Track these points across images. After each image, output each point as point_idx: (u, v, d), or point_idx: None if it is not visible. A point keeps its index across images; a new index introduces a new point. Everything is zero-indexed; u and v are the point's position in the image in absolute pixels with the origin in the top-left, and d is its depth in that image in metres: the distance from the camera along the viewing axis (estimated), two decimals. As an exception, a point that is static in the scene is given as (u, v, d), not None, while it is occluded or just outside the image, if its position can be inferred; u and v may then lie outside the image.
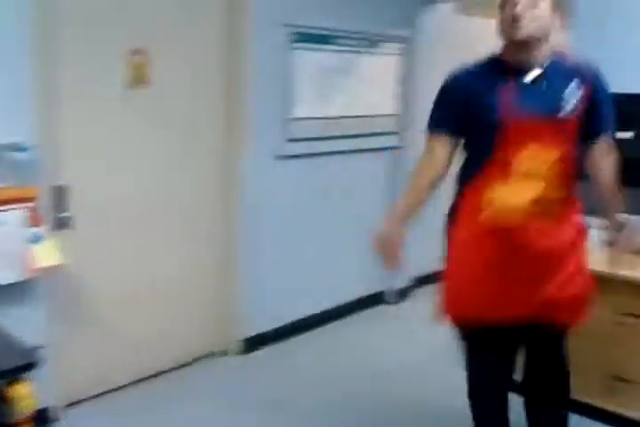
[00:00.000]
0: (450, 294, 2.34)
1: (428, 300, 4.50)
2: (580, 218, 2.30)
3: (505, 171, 2.15)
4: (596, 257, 2.74)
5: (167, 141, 3.19)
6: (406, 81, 4.25)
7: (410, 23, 4.15)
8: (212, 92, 3.32)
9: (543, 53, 2.16)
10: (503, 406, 2.48)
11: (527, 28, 2.07)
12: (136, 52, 2.92)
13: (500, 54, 2.20)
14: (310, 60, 3.63)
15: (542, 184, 2.14)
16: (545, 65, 2.16)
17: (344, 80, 3.87)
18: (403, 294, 4.63)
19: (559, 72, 2.17)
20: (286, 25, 3.44)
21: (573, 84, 2.16)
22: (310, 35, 3.59)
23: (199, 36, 3.21)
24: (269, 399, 3.17)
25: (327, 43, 3.72)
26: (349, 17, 3.76)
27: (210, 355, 3.59)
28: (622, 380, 2.86)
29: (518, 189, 2.14)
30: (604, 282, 2.60)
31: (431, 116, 2.32)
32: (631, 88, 3.00)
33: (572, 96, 2.15)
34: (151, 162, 3.15)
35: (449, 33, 4.46)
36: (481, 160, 2.19)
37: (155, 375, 3.33)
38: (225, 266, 3.55)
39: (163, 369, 3.38)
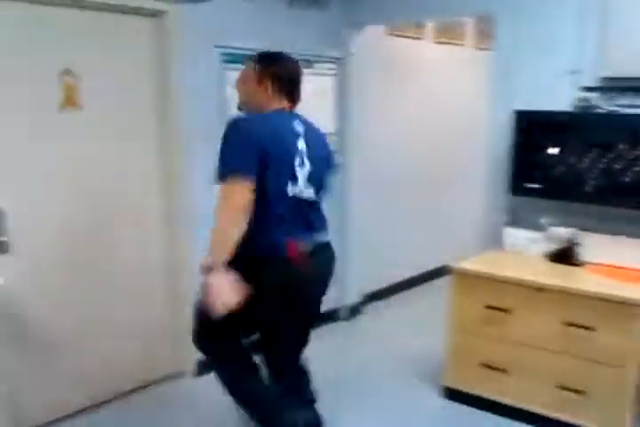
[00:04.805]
0: None
1: (379, 315, 4.62)
2: None
3: None
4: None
5: (102, 166, 3.15)
6: (341, 100, 4.33)
7: (341, 44, 4.25)
8: (144, 116, 3.30)
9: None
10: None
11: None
12: (66, 73, 2.92)
13: None
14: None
15: None
16: None
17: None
18: (355, 310, 4.64)
19: None
20: (218, 46, 3.48)
21: None
22: (243, 56, 3.60)
23: (129, 58, 3.19)
24: (226, 420, 3.11)
25: (261, 64, 3.74)
26: (281, 38, 3.80)
27: (167, 378, 3.54)
28: (493, 368, 3.15)
29: None
30: (474, 280, 3.14)
31: None
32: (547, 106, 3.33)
33: None
34: (87, 185, 3.11)
35: (378, 53, 4.58)
36: None
37: (111, 400, 3.29)
38: (176, 288, 3.50)
39: (120, 393, 3.34)
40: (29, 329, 2.97)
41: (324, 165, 2.50)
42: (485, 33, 5.22)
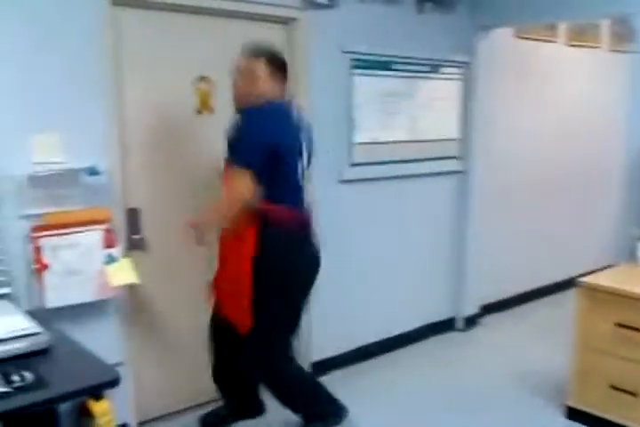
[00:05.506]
0: None
1: (496, 328, 4.48)
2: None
3: None
4: None
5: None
6: (467, 105, 4.24)
7: (468, 48, 4.16)
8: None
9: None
10: None
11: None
12: (201, 79, 3.03)
13: None
14: (371, 85, 3.66)
15: None
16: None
17: (405, 105, 3.87)
18: (471, 321, 4.53)
19: None
20: (346, 52, 3.49)
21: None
22: (370, 61, 3.63)
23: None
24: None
25: (387, 68, 3.74)
26: (408, 43, 3.79)
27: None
28: (625, 391, 2.95)
29: None
30: (604, 295, 2.97)
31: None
32: None
33: None
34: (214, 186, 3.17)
35: (506, 56, 4.45)
36: None
37: (210, 401, 3.29)
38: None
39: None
40: (155, 325, 3.09)
41: (311, 144, 2.77)
42: (622, 35, 4.97)
